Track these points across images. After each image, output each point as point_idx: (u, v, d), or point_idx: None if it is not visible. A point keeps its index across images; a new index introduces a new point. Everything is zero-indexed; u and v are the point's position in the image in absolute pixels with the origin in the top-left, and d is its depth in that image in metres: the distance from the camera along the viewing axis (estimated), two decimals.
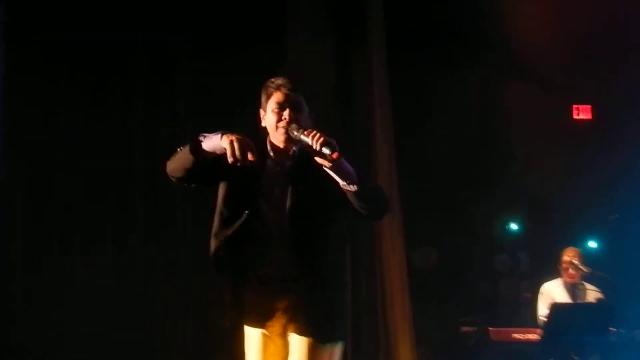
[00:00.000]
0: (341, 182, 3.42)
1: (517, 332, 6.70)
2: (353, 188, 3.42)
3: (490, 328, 6.75)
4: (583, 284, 6.87)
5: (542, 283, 6.94)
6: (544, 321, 6.60)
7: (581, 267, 6.75)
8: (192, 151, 3.50)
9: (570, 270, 6.81)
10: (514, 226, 8.16)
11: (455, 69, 7.54)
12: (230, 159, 3.38)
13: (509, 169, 7.91)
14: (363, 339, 7.08)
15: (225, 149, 3.40)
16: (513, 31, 7.57)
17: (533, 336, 6.61)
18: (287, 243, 3.56)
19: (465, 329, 7.24)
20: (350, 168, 3.40)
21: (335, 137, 3.36)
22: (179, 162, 3.59)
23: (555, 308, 6.50)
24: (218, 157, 3.48)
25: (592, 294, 6.83)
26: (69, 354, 6.54)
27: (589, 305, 6.77)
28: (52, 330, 6.59)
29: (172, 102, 6.99)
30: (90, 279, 6.65)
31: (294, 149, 3.62)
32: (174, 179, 3.68)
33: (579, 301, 6.82)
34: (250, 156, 3.37)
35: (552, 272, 6.96)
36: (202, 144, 3.50)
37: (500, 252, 8.27)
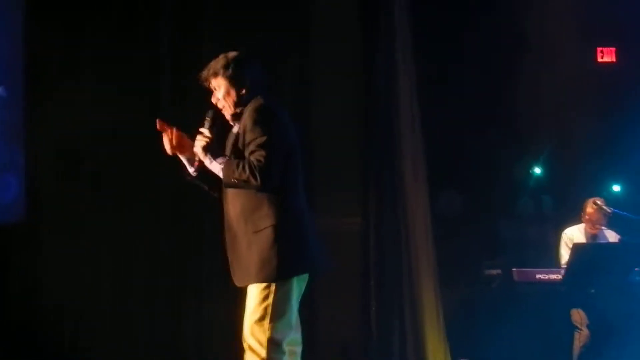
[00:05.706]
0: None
1: (540, 273, 6.74)
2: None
3: (513, 269, 6.81)
4: (604, 233, 6.87)
5: (566, 227, 6.97)
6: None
7: (605, 208, 6.75)
8: None
9: (593, 221, 6.79)
10: (537, 169, 8.15)
11: (478, 11, 7.52)
12: None
13: (533, 112, 7.88)
14: (387, 283, 7.13)
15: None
16: None
17: (556, 277, 6.62)
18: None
19: (489, 271, 7.28)
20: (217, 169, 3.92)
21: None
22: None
23: (577, 248, 6.53)
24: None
25: (613, 238, 6.83)
26: None
27: (611, 245, 6.77)
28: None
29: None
30: None
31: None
32: None
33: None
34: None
35: (576, 216, 6.97)
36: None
37: (524, 195, 8.29)
